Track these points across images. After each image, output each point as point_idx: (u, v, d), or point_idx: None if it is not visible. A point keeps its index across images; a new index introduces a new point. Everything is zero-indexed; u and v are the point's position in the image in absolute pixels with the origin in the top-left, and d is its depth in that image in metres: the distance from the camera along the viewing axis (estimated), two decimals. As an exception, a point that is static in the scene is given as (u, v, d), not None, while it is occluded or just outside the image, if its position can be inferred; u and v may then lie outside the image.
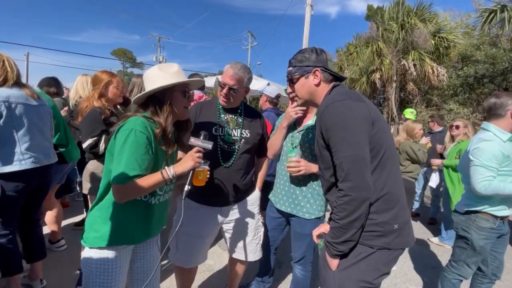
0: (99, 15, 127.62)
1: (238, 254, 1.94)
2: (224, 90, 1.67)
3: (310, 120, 1.81)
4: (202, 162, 1.36)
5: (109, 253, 1.25)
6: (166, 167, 1.22)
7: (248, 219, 1.88)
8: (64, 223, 3.43)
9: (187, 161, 1.23)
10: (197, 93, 2.90)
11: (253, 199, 1.91)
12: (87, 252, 1.26)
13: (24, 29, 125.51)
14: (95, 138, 1.95)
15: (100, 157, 2.04)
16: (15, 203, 1.90)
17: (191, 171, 1.25)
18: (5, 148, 1.79)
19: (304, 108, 1.75)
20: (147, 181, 1.16)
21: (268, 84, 5.98)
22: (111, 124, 2.00)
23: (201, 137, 1.31)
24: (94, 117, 1.97)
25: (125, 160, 1.13)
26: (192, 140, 1.29)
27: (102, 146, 1.95)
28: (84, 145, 1.96)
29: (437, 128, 4.63)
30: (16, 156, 1.82)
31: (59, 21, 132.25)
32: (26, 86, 1.92)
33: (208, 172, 1.42)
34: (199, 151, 1.25)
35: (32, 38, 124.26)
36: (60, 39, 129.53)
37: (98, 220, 1.26)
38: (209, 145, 1.29)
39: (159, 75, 1.27)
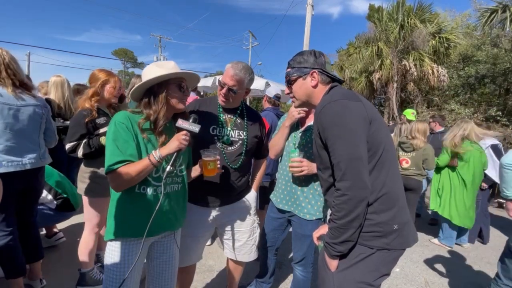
0: (101, 16, 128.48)
1: (234, 255, 1.92)
2: (223, 90, 1.65)
3: (312, 121, 1.80)
4: (212, 152, 1.42)
5: (116, 245, 1.31)
6: (153, 151, 1.26)
7: (243, 220, 1.87)
8: (64, 223, 3.43)
9: (172, 142, 1.27)
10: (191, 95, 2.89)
11: (249, 200, 1.90)
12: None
13: (26, 29, 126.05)
14: (74, 143, 1.95)
15: (90, 158, 2.03)
16: (10, 205, 1.88)
17: (175, 153, 1.28)
18: None
19: (307, 108, 1.74)
20: (135, 166, 1.21)
21: (267, 83, 5.99)
22: (96, 126, 2.00)
23: (191, 120, 1.33)
24: (77, 121, 1.97)
25: (109, 149, 1.22)
26: (180, 122, 1.31)
27: (80, 151, 1.94)
28: (66, 148, 1.97)
29: (439, 129, 4.62)
30: None
31: (61, 21, 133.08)
32: (18, 86, 1.86)
33: (218, 162, 1.45)
34: (186, 134, 1.29)
35: (33, 38, 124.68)
36: (62, 39, 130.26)
37: (108, 215, 1.34)
38: (196, 128, 1.31)
39: (156, 71, 1.31)
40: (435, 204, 3.71)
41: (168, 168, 1.27)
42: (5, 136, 1.81)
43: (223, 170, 1.65)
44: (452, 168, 3.54)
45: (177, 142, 1.26)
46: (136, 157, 1.25)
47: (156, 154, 1.24)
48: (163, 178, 1.28)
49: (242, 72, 1.63)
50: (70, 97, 3.16)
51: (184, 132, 1.29)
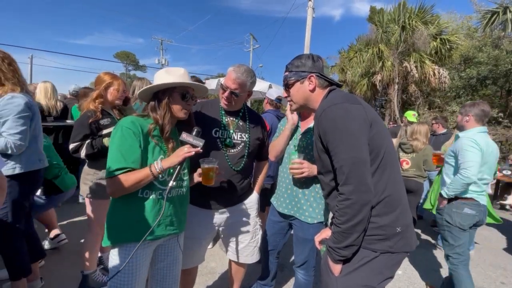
0: (104, 19, 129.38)
1: (236, 257, 1.93)
2: (226, 94, 1.66)
3: (312, 122, 1.80)
4: (212, 160, 1.42)
5: (115, 251, 1.30)
6: (155, 161, 1.25)
7: (245, 222, 1.87)
8: (66, 225, 3.44)
9: (175, 156, 1.26)
10: None
11: (251, 202, 1.90)
12: None
13: (29, 32, 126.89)
14: (77, 143, 1.97)
15: (93, 159, 2.05)
16: (28, 203, 1.95)
17: (178, 168, 1.28)
18: (30, 148, 1.86)
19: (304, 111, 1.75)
20: (135, 175, 1.20)
21: (270, 86, 6.00)
22: (100, 127, 2.02)
23: (194, 133, 1.33)
24: (81, 121, 2.00)
25: (112, 154, 1.21)
26: (184, 136, 1.31)
27: (83, 152, 1.96)
28: (69, 148, 2.00)
29: (441, 130, 4.61)
30: (36, 156, 1.92)
31: (64, 25, 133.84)
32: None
33: (217, 171, 1.45)
34: (189, 147, 1.28)
35: (36, 41, 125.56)
36: (65, 42, 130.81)
37: (108, 220, 1.32)
38: (200, 143, 1.30)
39: (164, 77, 1.34)
40: (428, 204, 3.64)
41: (171, 183, 1.27)
42: (41, 136, 1.98)
43: (223, 178, 1.66)
44: None
45: (180, 157, 1.25)
46: (139, 163, 1.24)
47: (158, 166, 1.23)
48: (166, 192, 1.28)
49: (244, 75, 1.64)
50: (53, 98, 3.63)
51: (187, 146, 1.29)
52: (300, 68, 1.34)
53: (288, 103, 1.47)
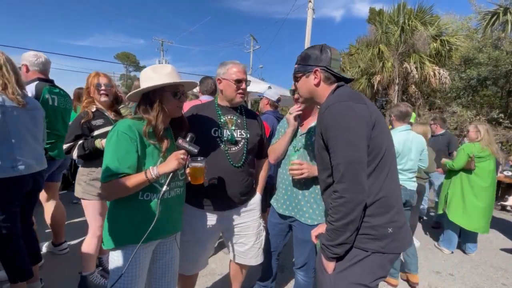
0: (105, 20, 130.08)
1: (240, 259, 1.92)
2: (243, 85, 1.71)
3: (312, 123, 1.80)
4: (199, 159, 1.40)
5: (117, 254, 1.30)
6: (150, 167, 1.24)
7: (249, 224, 1.86)
8: (66, 226, 3.42)
9: (171, 162, 1.26)
10: (205, 98, 2.82)
11: (254, 203, 1.89)
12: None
13: (30, 34, 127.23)
14: (70, 144, 1.98)
15: (86, 160, 2.04)
16: (12, 207, 1.88)
17: (171, 173, 1.27)
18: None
19: (300, 111, 1.77)
20: (130, 181, 1.20)
21: (269, 88, 6.00)
22: (92, 127, 2.02)
23: (188, 139, 1.33)
24: (73, 123, 2.01)
25: (107, 159, 1.21)
26: (180, 141, 1.31)
27: (75, 153, 1.96)
28: (63, 148, 2.02)
29: (440, 131, 4.58)
30: (9, 163, 1.78)
31: (65, 26, 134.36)
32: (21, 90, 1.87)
33: (205, 170, 1.44)
34: (184, 153, 1.28)
35: (37, 42, 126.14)
36: (65, 43, 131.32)
37: (108, 223, 1.32)
38: (195, 150, 1.31)
39: (152, 76, 1.32)
40: (441, 209, 3.64)
41: (165, 188, 1.27)
42: (24, 140, 1.87)
43: (214, 180, 1.67)
44: (468, 171, 3.37)
45: (176, 161, 1.25)
46: (134, 169, 1.24)
47: (154, 172, 1.23)
48: (160, 195, 1.28)
49: (242, 65, 1.73)
50: None
51: (183, 151, 1.29)
52: (306, 61, 1.32)
53: (294, 101, 1.48)
